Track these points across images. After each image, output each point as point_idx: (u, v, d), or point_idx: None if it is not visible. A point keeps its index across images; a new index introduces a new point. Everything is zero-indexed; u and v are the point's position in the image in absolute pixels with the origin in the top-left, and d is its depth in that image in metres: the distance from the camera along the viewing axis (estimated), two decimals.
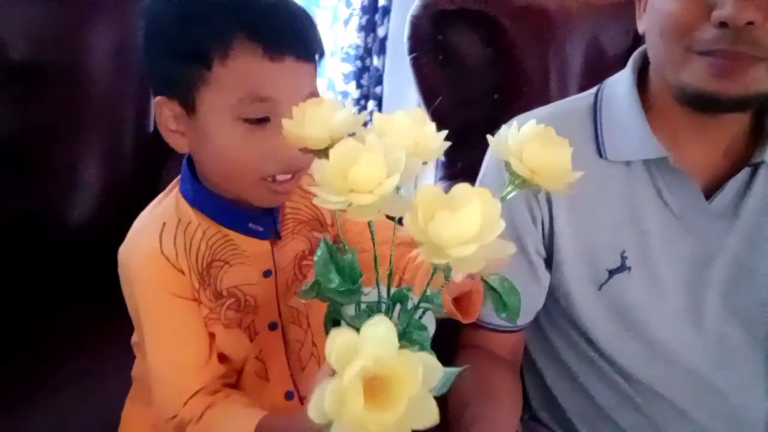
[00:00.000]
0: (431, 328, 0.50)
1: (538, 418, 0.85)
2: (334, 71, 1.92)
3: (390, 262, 0.48)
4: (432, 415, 0.34)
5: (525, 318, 0.78)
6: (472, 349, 0.79)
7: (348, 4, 1.81)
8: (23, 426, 0.78)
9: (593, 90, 0.77)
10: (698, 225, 0.70)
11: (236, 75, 0.56)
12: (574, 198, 0.71)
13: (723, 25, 0.58)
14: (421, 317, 0.50)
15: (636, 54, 0.75)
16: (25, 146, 0.91)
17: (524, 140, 0.44)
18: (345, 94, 1.91)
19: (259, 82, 0.56)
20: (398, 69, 1.73)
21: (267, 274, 0.68)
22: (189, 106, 0.58)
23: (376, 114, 0.45)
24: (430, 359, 0.35)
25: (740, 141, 0.70)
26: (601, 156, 0.72)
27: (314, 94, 0.61)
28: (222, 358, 0.67)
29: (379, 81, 1.89)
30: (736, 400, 0.73)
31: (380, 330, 0.34)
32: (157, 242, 0.61)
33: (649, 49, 0.69)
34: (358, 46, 1.84)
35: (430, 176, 1.16)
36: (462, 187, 0.39)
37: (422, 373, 0.33)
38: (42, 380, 0.83)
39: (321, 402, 0.33)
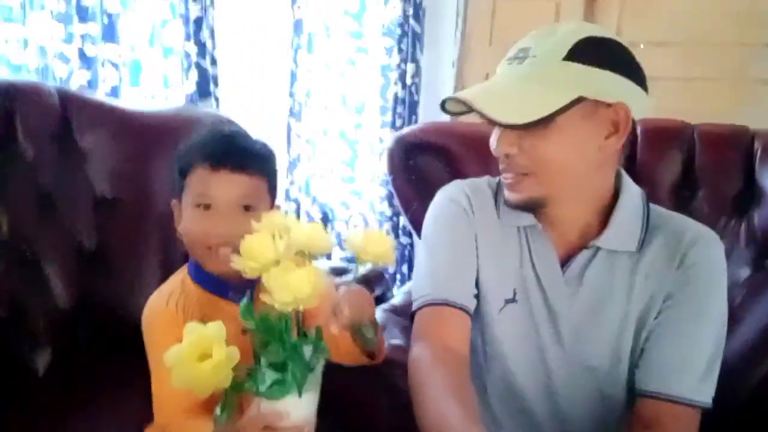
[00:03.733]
0: (318, 373, 0.76)
1: None
2: (374, 195, 2.28)
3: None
4: (225, 380, 0.67)
5: (469, 299, 0.92)
6: (428, 357, 0.87)
7: (381, 141, 2.21)
8: None
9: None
10: (552, 287, 0.89)
11: (195, 181, 0.90)
12: (489, 241, 0.94)
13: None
14: (314, 364, 0.76)
15: None
16: (106, 255, 1.26)
17: (360, 236, 0.77)
18: (382, 213, 2.26)
19: (206, 184, 0.89)
20: None
21: (244, 331, 0.90)
22: (181, 205, 0.93)
23: (293, 221, 0.76)
24: (233, 351, 0.68)
25: (593, 228, 0.89)
26: (498, 217, 0.94)
27: (247, 195, 0.90)
28: None
29: None
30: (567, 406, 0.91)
31: (212, 328, 0.68)
32: (163, 303, 0.93)
33: None
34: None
35: None
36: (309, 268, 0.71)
37: (224, 355, 0.67)
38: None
39: (171, 356, 0.65)
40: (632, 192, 0.90)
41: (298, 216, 2.35)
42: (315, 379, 0.77)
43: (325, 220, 2.36)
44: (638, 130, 1.35)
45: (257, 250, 0.71)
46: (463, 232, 0.95)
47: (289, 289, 0.68)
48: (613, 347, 0.88)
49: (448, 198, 0.98)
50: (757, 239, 1.26)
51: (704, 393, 0.84)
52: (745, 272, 1.22)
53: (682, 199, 1.32)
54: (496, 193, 0.97)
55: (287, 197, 2.32)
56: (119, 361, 1.18)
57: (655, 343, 0.86)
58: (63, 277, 1.22)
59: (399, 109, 2.15)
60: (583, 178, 0.85)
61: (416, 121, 2.17)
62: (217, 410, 0.72)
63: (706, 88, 1.72)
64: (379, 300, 1.34)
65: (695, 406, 0.83)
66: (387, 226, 2.21)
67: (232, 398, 0.73)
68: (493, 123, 0.82)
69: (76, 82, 1.55)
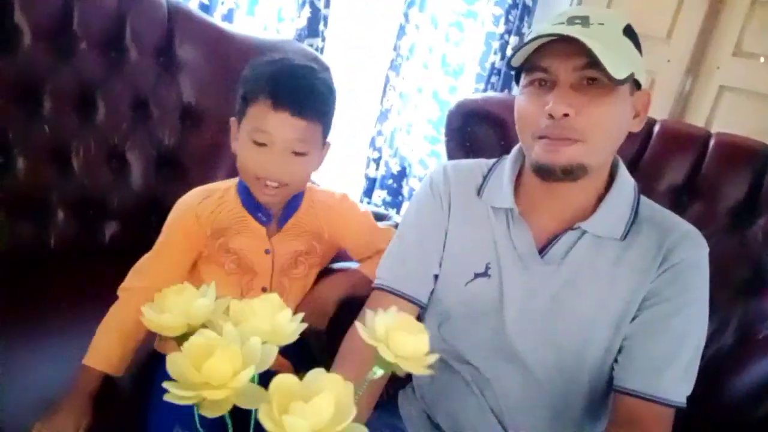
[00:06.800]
0: None
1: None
2: None
3: None
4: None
5: (420, 293, 0.97)
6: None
7: None
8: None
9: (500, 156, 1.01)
10: (531, 265, 0.90)
11: (256, 114, 0.93)
12: (464, 218, 0.96)
13: (550, 116, 0.79)
14: None
15: None
16: (184, 161, 1.41)
17: (390, 328, 0.49)
18: None
19: (265, 121, 0.92)
20: None
21: (267, 252, 1.04)
22: (239, 127, 0.97)
23: (233, 302, 0.50)
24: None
25: (579, 215, 0.89)
26: (478, 195, 0.96)
27: (302, 140, 0.93)
28: None
29: None
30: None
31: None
32: (197, 200, 1.02)
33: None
34: None
35: None
36: (315, 374, 0.44)
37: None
38: None
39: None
40: (625, 181, 0.91)
41: (377, 165, 2.44)
42: None
43: (402, 174, 2.44)
44: (711, 143, 1.30)
45: (222, 368, 0.42)
46: (432, 220, 0.98)
47: (319, 422, 0.41)
48: (584, 327, 0.88)
49: (429, 181, 1.01)
50: None
51: (682, 393, 0.85)
52: None
53: (739, 221, 1.25)
54: (487, 174, 0.98)
55: (372, 145, 2.42)
56: None
57: (638, 341, 0.86)
58: (142, 168, 1.40)
59: (493, 79, 2.15)
60: (611, 154, 0.88)
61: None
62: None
63: None
64: None
65: (672, 406, 0.84)
66: None
67: None
68: (547, 80, 0.82)
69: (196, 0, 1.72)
